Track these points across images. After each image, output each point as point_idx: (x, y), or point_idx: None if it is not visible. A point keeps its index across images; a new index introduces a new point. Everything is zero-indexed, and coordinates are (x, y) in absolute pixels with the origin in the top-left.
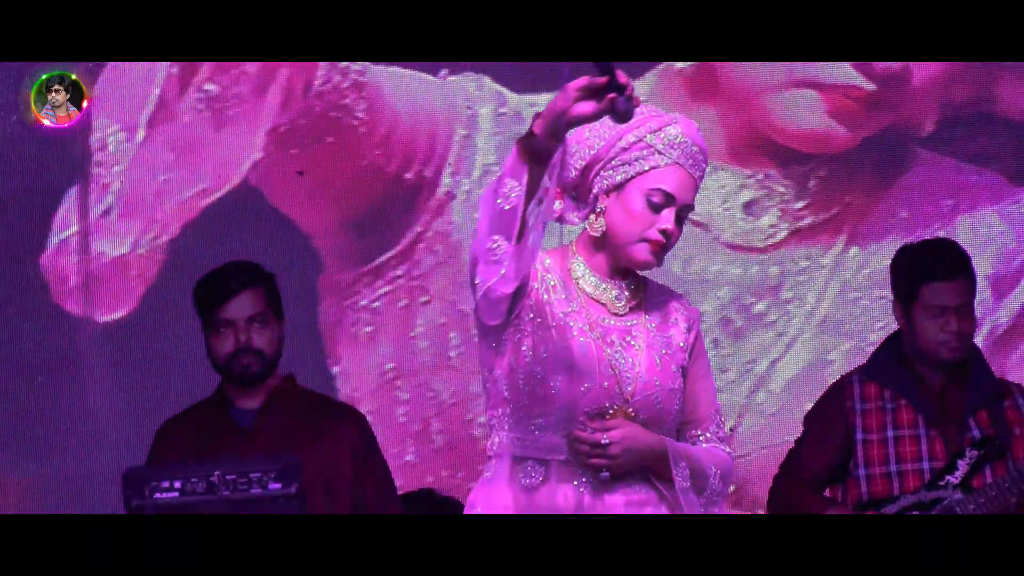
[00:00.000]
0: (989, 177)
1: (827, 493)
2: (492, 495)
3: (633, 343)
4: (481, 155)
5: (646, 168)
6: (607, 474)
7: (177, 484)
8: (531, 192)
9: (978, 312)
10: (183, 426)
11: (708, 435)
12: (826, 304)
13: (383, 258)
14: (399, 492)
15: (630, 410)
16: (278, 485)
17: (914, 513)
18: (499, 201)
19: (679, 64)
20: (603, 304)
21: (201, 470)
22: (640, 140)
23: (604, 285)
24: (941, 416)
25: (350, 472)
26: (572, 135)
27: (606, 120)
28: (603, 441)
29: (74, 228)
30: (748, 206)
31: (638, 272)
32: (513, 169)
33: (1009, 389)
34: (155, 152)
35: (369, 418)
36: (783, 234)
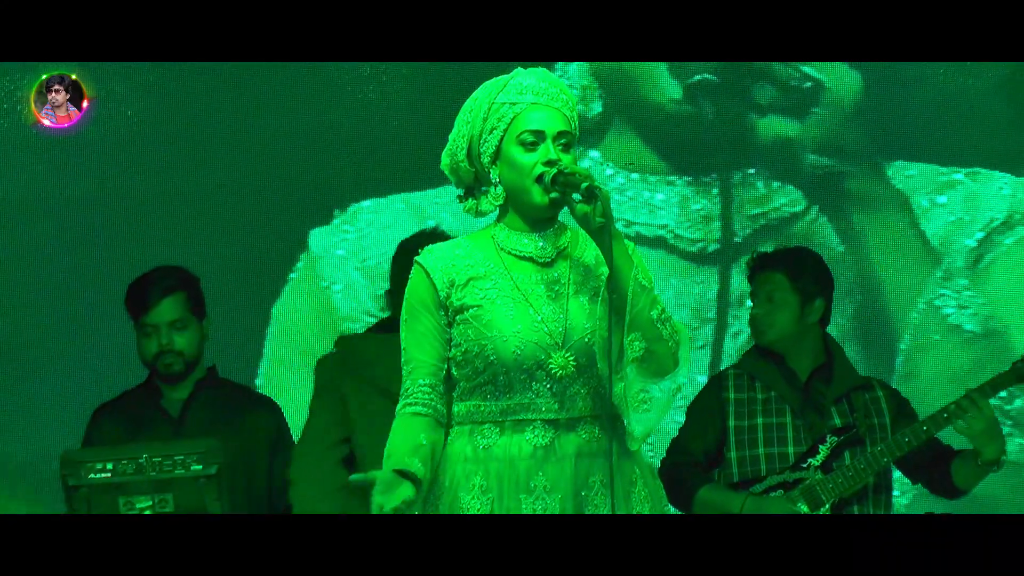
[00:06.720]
0: None
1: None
2: (453, 452)
3: (561, 291)
4: None
5: (508, 121)
6: None
7: (109, 466)
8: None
9: None
10: (116, 411)
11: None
12: None
13: None
14: None
15: (570, 356)
16: (200, 467)
17: (779, 491)
18: None
19: None
20: (530, 258)
21: (130, 453)
22: (492, 104)
23: (526, 239)
24: (805, 406)
25: (267, 454)
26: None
27: (466, 109)
28: None
29: None
30: None
31: (558, 220)
32: None
33: (868, 383)
34: None
35: None
36: None
